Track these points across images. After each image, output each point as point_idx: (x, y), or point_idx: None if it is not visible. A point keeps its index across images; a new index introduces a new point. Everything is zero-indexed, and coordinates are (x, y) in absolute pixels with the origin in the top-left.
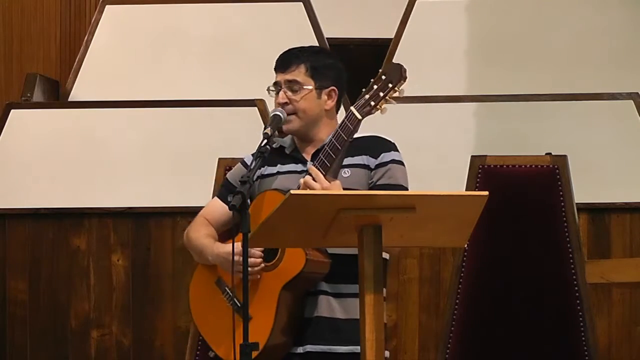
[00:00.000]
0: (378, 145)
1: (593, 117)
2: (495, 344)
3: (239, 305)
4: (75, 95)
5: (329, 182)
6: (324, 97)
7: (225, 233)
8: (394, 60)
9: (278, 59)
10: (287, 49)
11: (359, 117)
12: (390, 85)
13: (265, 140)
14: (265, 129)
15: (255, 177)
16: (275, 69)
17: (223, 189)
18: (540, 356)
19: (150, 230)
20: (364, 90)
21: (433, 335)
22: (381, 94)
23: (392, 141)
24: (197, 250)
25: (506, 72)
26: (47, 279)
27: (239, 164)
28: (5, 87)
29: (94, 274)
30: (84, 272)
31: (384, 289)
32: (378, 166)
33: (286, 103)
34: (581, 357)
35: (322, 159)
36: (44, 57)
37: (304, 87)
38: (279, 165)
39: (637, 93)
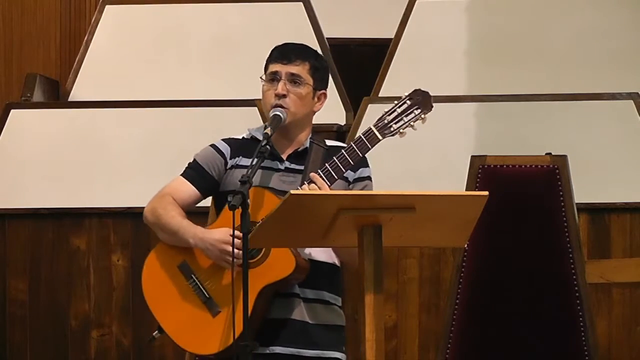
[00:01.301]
0: None
1: (593, 117)
2: (495, 344)
3: (206, 296)
4: (75, 95)
5: None
6: (316, 99)
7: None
8: (394, 61)
9: (278, 50)
10: (285, 43)
11: (380, 137)
12: (417, 111)
13: (266, 141)
14: (265, 129)
15: (229, 165)
16: (274, 59)
17: (191, 171)
18: (541, 356)
19: (150, 230)
20: (385, 111)
21: (433, 335)
22: (405, 119)
23: (365, 156)
24: (171, 229)
25: (506, 72)
26: (47, 279)
27: (209, 147)
28: (5, 87)
29: (93, 274)
30: (83, 272)
31: (339, 298)
32: (356, 180)
33: (284, 95)
34: (581, 357)
35: (328, 169)
36: (44, 57)
37: (306, 83)
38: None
39: (637, 93)
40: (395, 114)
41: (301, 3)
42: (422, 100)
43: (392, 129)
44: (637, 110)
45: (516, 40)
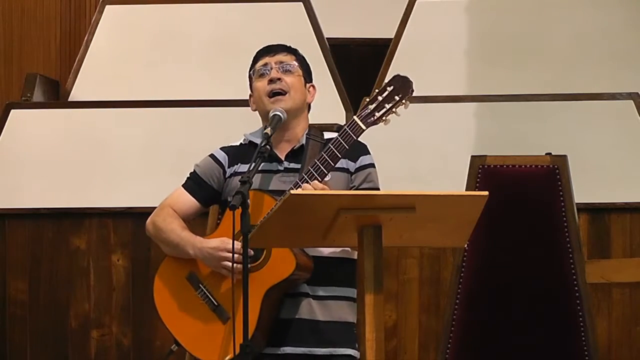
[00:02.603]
0: (355, 148)
1: (593, 117)
2: (495, 344)
3: (215, 304)
4: (75, 95)
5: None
6: (306, 89)
7: None
8: (394, 61)
9: (264, 48)
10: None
11: (364, 127)
12: (397, 97)
13: (266, 141)
14: (265, 129)
15: (228, 173)
16: (261, 55)
17: (190, 181)
18: (541, 356)
19: None
20: (367, 100)
21: (433, 335)
22: (387, 106)
23: (365, 143)
24: (172, 242)
25: (506, 72)
26: (47, 279)
27: (208, 157)
28: (5, 87)
29: (93, 274)
30: (83, 272)
31: (354, 289)
32: (358, 169)
33: (279, 79)
34: (581, 357)
35: (318, 165)
36: (44, 57)
37: (296, 69)
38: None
39: (637, 93)
40: (376, 102)
41: (301, 3)
42: (402, 86)
43: (375, 117)
44: (637, 110)
45: (516, 40)
